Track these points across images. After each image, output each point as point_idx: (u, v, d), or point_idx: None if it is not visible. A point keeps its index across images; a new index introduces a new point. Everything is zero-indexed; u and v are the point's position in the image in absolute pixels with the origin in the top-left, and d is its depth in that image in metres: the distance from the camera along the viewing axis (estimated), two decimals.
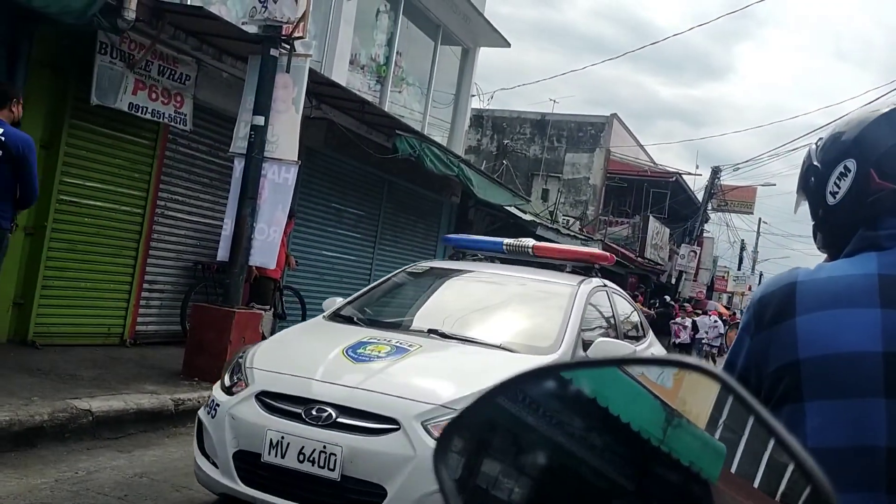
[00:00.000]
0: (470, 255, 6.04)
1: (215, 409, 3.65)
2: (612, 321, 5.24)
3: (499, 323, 4.70)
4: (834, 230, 1.35)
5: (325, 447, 3.26)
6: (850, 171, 1.28)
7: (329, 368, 3.70)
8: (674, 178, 26.69)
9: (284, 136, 6.72)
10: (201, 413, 3.79)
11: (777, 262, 44.79)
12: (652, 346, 5.98)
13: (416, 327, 4.47)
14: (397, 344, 3.95)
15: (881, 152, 1.26)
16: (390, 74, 12.32)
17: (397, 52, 12.42)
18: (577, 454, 0.84)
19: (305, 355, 3.97)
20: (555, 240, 17.28)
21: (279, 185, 6.74)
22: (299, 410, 3.40)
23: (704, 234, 31.81)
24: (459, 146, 14.34)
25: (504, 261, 5.86)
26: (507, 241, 5.87)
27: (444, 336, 4.24)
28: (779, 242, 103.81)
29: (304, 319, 8.75)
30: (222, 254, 6.72)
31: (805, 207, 1.44)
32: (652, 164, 27.42)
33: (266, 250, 6.77)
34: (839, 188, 1.30)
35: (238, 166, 6.67)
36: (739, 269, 44.16)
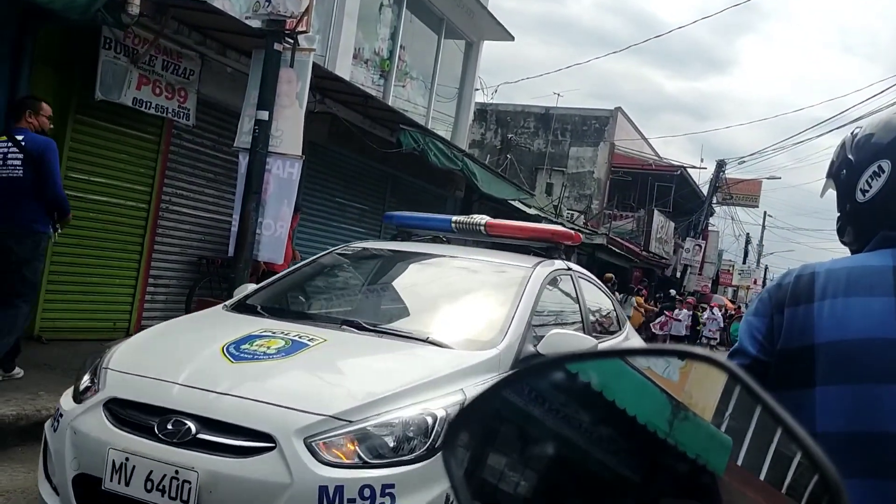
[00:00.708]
0: (417, 235, 5.28)
1: (58, 421, 2.96)
2: (577, 310, 4.53)
3: (432, 313, 3.98)
4: (860, 227, 1.37)
5: (177, 472, 2.56)
6: (883, 171, 1.29)
7: (198, 369, 2.95)
8: (678, 172, 26.62)
9: (288, 131, 6.72)
10: (46, 426, 3.09)
11: (782, 255, 44.74)
12: (629, 340, 5.37)
13: (329, 318, 3.76)
14: (295, 338, 3.22)
15: None
16: (394, 69, 12.30)
17: (401, 46, 12.40)
18: (583, 447, 0.85)
19: (174, 353, 3.20)
20: None
21: (284, 180, 6.74)
22: (153, 423, 2.71)
23: (709, 228, 31.75)
24: (463, 140, 14.34)
25: (479, 244, 5.15)
26: (456, 217, 5.10)
27: (361, 328, 3.49)
28: (784, 236, 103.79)
29: None
30: (232, 250, 6.72)
31: (831, 194, 1.46)
32: (656, 158, 27.35)
33: (274, 246, 6.78)
34: (870, 187, 1.31)
35: (243, 161, 6.68)
36: (745, 262, 44.07)
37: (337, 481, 2.54)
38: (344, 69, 10.34)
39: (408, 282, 4.46)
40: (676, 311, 18.63)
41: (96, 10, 5.56)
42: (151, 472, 2.60)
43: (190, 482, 2.55)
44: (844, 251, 1.42)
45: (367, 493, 2.53)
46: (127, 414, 2.81)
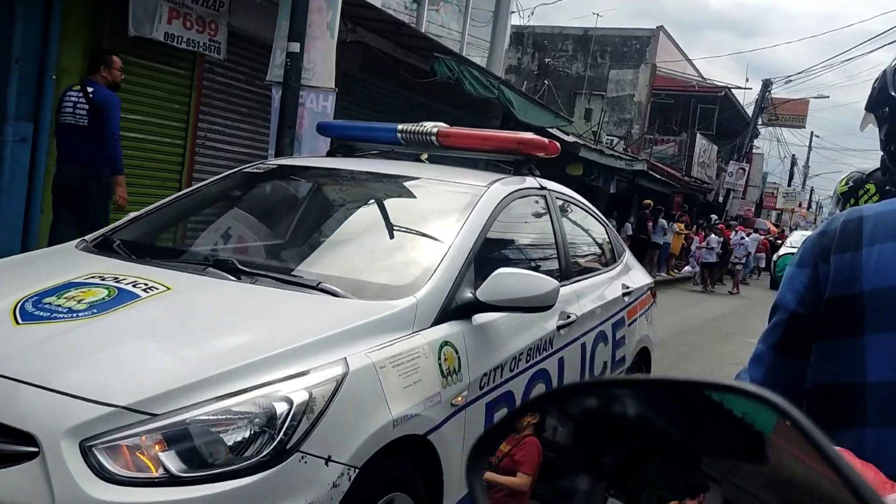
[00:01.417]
0: (360, 150, 4.15)
1: None
2: (552, 242, 3.59)
3: (340, 249, 3.18)
4: None
5: None
6: None
7: None
8: (722, 93, 25.85)
9: (321, 63, 6.61)
10: None
11: (829, 177, 43.53)
12: (627, 273, 4.50)
13: (196, 258, 2.98)
14: (127, 286, 2.36)
15: None
16: None
17: None
18: (622, 400, 0.82)
19: None
20: (598, 161, 16.98)
21: (318, 114, 6.66)
22: None
23: (754, 151, 30.99)
24: (499, 67, 14.00)
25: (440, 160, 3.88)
26: (402, 126, 3.84)
27: (231, 271, 2.62)
28: (831, 157, 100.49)
29: None
30: None
31: (871, 128, 1.37)
32: (700, 79, 26.54)
33: None
34: None
35: (276, 95, 6.61)
36: (790, 185, 43.12)
37: None
38: None
39: (320, 209, 3.68)
40: (707, 238, 18.35)
41: None
42: None
43: None
44: None
45: None
46: None
